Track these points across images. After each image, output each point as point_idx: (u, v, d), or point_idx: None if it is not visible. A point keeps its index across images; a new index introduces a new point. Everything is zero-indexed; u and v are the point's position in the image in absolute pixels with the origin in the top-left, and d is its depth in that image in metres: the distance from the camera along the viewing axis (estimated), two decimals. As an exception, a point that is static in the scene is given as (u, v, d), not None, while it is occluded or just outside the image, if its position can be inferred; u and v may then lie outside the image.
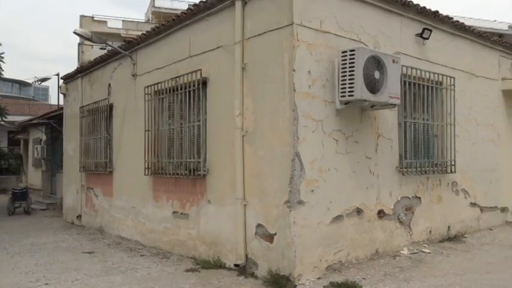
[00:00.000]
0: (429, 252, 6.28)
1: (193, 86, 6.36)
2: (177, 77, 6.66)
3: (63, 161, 11.73)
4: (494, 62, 8.57)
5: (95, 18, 30.14)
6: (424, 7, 6.69)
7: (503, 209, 8.57)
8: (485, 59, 8.33)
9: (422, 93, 6.75)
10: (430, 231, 6.90)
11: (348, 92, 5.22)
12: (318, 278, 5.05)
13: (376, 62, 5.32)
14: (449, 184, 7.32)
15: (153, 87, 7.26)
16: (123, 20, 31.10)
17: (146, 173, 7.39)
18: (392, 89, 5.50)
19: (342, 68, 5.29)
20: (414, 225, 6.61)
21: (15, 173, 23.20)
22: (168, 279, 5.41)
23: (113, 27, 30.36)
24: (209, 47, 6.23)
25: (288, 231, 4.97)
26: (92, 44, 15.77)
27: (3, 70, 13.59)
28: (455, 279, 5.05)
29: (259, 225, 5.35)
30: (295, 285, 4.84)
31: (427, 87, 6.78)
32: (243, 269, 5.47)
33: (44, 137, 16.75)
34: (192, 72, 6.36)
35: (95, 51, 21.75)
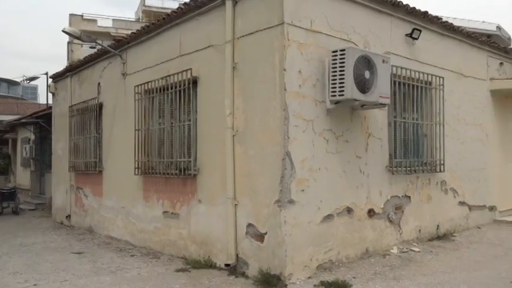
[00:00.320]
0: (419, 251, 6.32)
1: (184, 85, 6.33)
2: (167, 76, 6.64)
3: (52, 161, 11.62)
4: (482, 62, 8.65)
5: (84, 17, 29.91)
6: (414, 7, 6.74)
7: (492, 208, 8.67)
8: (474, 59, 8.41)
9: (412, 93, 6.79)
10: (420, 230, 6.95)
11: (339, 91, 5.24)
12: (309, 277, 5.07)
13: (366, 62, 5.34)
14: (438, 183, 7.38)
15: (143, 86, 7.22)
16: (113, 19, 30.92)
17: (136, 173, 7.35)
18: (382, 89, 5.52)
19: (333, 68, 5.30)
20: (404, 224, 6.65)
21: (4, 172, 22.90)
22: (158, 280, 5.38)
23: (102, 26, 30.15)
24: (200, 46, 6.21)
25: (278, 230, 4.98)
26: (82, 42, 15.64)
27: (-10, 69, 13.41)
28: (445, 278, 5.10)
29: (249, 225, 5.35)
30: (286, 285, 4.85)
31: (417, 87, 6.83)
32: (234, 269, 5.47)
33: (32, 137, 16.57)
34: (182, 72, 6.34)
35: (85, 50, 21.56)
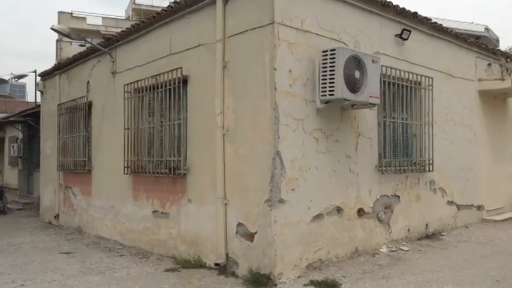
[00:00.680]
0: (407, 250, 6.37)
1: (174, 84, 6.30)
2: (157, 74, 6.60)
3: (40, 160, 11.49)
4: (471, 63, 8.74)
5: (73, 15, 29.67)
6: (404, 8, 6.78)
7: (479, 207, 8.76)
8: (462, 60, 8.49)
9: (402, 93, 6.84)
10: (409, 229, 7.00)
11: (329, 91, 5.25)
12: (298, 277, 5.08)
13: (356, 62, 5.36)
14: (427, 183, 7.44)
15: (132, 85, 7.17)
16: (102, 17, 30.69)
17: (126, 172, 7.30)
18: (372, 89, 5.55)
19: (323, 68, 5.32)
20: (393, 224, 6.70)
21: (-9, 171, 22.64)
22: (147, 279, 5.35)
23: (92, 23, 29.92)
24: (190, 45, 6.19)
25: (268, 230, 4.98)
26: (71, 40, 15.51)
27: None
28: (433, 276, 5.14)
29: (239, 224, 5.34)
30: (276, 284, 4.85)
31: (406, 87, 6.87)
32: (224, 268, 5.46)
33: (20, 135, 16.39)
34: (172, 70, 6.31)
35: (74, 48, 21.39)
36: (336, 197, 5.74)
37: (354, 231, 6.02)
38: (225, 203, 5.50)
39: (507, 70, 9.40)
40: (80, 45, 17.83)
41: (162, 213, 6.67)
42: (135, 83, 7.10)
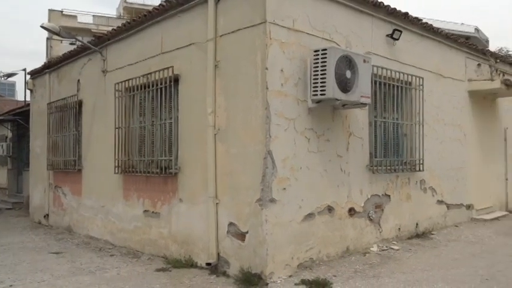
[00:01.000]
0: (398, 249, 6.41)
1: (165, 83, 6.28)
2: (148, 73, 6.56)
3: (30, 159, 11.39)
4: (461, 63, 8.81)
5: (64, 13, 29.42)
6: (395, 8, 6.82)
7: (469, 206, 8.84)
8: (453, 60, 8.56)
9: (392, 93, 6.87)
10: (399, 229, 7.04)
11: (320, 90, 5.26)
12: (290, 276, 5.08)
13: (347, 62, 5.38)
14: (417, 182, 7.49)
15: (123, 83, 7.13)
16: (93, 15, 30.47)
17: (116, 171, 7.25)
18: (363, 89, 5.57)
19: (314, 67, 5.32)
20: (384, 223, 6.73)
21: (-21, 171, 22.37)
22: (138, 279, 5.33)
23: (83, 22, 29.69)
24: (181, 44, 6.16)
25: (259, 229, 4.98)
26: (61, 39, 15.36)
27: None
28: (423, 275, 5.17)
29: (231, 224, 5.34)
30: (267, 283, 4.85)
31: (397, 87, 6.91)
32: (215, 268, 5.45)
33: (9, 134, 16.24)
34: (163, 69, 6.28)
35: (65, 47, 21.20)
36: (327, 196, 5.76)
37: (345, 230, 6.04)
38: (217, 203, 5.49)
39: (496, 71, 9.50)
40: (71, 44, 17.67)
41: (153, 212, 6.64)
42: (126, 82, 7.06)
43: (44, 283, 5.28)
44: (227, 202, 5.40)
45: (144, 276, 5.48)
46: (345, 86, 5.32)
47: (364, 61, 5.60)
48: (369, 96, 5.72)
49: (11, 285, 5.21)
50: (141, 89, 6.80)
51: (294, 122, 5.32)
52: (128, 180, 7.22)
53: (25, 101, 19.23)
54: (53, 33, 8.08)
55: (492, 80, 9.07)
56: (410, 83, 7.21)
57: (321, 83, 5.24)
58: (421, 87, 7.34)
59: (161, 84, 6.35)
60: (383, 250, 6.33)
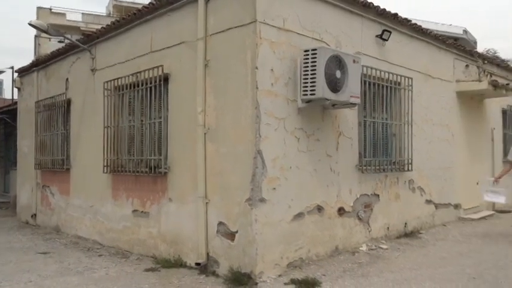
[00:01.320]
0: (387, 248, 6.45)
1: (155, 82, 6.24)
2: (137, 72, 6.52)
3: (17, 158, 11.26)
4: (449, 64, 8.90)
5: (53, 10, 29.10)
6: (384, 9, 6.86)
7: (457, 206, 8.94)
8: (441, 61, 8.64)
9: (382, 93, 6.92)
10: (388, 228, 7.09)
11: (310, 90, 5.27)
12: (279, 275, 5.09)
13: (337, 62, 5.39)
14: (406, 182, 7.55)
15: (112, 82, 7.08)
16: (82, 13, 30.18)
17: (105, 171, 7.20)
18: (353, 89, 5.59)
19: (304, 67, 5.33)
20: (373, 222, 6.77)
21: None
22: (127, 279, 5.29)
23: (71, 20, 29.39)
24: (171, 43, 6.14)
25: (249, 229, 4.97)
26: (49, 36, 15.19)
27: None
28: (411, 274, 5.21)
29: (220, 223, 5.33)
30: (256, 283, 4.85)
31: (386, 87, 6.95)
32: (204, 268, 5.43)
33: (-4, 133, 16.02)
34: (153, 68, 6.25)
35: (53, 44, 20.97)
36: (316, 196, 5.77)
37: (334, 229, 6.06)
38: (206, 202, 5.48)
39: (484, 72, 9.61)
40: (59, 42, 17.45)
41: (142, 212, 6.60)
42: (115, 81, 7.01)
43: (31, 284, 5.22)
44: (217, 202, 5.39)
45: (132, 276, 5.45)
46: (334, 85, 5.34)
47: (354, 61, 5.63)
48: (358, 96, 5.75)
49: (-3, 286, 5.15)
50: (130, 87, 6.76)
51: (284, 122, 5.32)
52: (116, 180, 7.17)
53: (12, 99, 19.00)
54: (41, 31, 7.99)
55: (480, 81, 9.17)
56: (399, 84, 7.26)
57: (310, 82, 5.25)
58: (410, 87, 7.39)
59: (151, 83, 6.31)
60: (372, 249, 6.37)
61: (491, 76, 9.72)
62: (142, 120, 6.66)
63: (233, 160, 5.22)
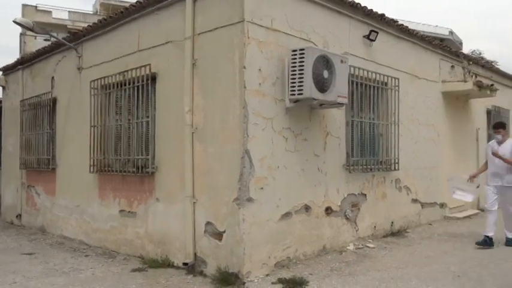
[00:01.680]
0: (373, 247, 6.50)
1: (142, 81, 6.20)
2: (125, 71, 6.48)
3: (1, 158, 11.08)
4: (435, 65, 9.00)
5: (38, 8, 28.76)
6: (371, 10, 6.91)
7: (442, 205, 9.05)
8: (427, 61, 8.73)
9: (369, 93, 6.97)
10: (375, 227, 7.14)
11: (298, 90, 5.29)
12: (267, 275, 5.10)
13: (325, 62, 5.42)
14: (393, 181, 7.62)
15: (99, 81, 7.02)
16: (69, 11, 29.87)
17: (92, 171, 7.13)
18: (340, 89, 5.62)
19: (292, 67, 5.35)
20: (360, 221, 6.82)
21: None
22: (113, 280, 5.25)
23: (58, 17, 29.07)
24: (159, 42, 6.10)
25: (237, 228, 4.97)
26: (35, 34, 15.02)
27: None
28: (397, 273, 5.27)
29: (208, 223, 5.32)
30: (244, 283, 4.85)
31: (373, 87, 7.01)
32: (192, 268, 5.42)
33: (-20, 132, 15.74)
34: (140, 67, 6.21)
35: (39, 43, 20.69)
36: (304, 195, 5.79)
37: (322, 229, 6.09)
38: (194, 202, 5.46)
39: (469, 72, 9.73)
40: (45, 40, 17.25)
41: (129, 212, 6.56)
42: (102, 80, 6.95)
43: (16, 285, 5.15)
44: (204, 201, 5.38)
45: (119, 276, 5.41)
46: (322, 85, 5.36)
47: (342, 61, 5.66)
48: (346, 96, 5.78)
49: (-20, 288, 5.07)
50: (117, 86, 6.71)
51: (272, 122, 5.33)
52: (103, 180, 7.11)
53: (-3, 97, 18.71)
54: (27, 28, 7.91)
55: (465, 81, 9.29)
56: (386, 84, 7.32)
57: (298, 82, 5.27)
58: (396, 87, 7.46)
59: (138, 82, 6.27)
60: (359, 248, 6.42)
61: (476, 77, 9.85)
62: (129, 120, 6.62)
63: (221, 160, 5.21)
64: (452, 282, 4.94)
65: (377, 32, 7.00)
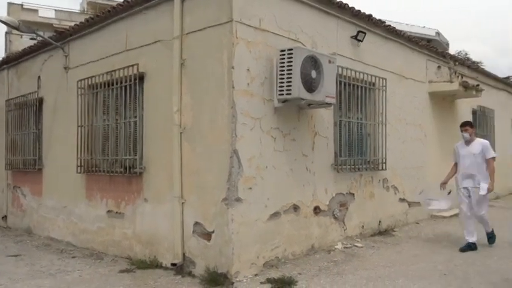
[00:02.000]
0: (361, 246, 6.54)
1: (130, 80, 6.16)
2: (112, 71, 6.43)
3: (-14, 158, 10.91)
4: (422, 65, 9.09)
5: (24, 6, 28.44)
6: (359, 10, 6.95)
7: (429, 204, 9.12)
8: (414, 62, 8.81)
9: (357, 93, 7.01)
10: (363, 226, 7.19)
11: (286, 90, 5.30)
12: (255, 275, 5.10)
13: (313, 62, 5.44)
14: (380, 181, 7.67)
15: (86, 81, 6.95)
16: (55, 10, 29.55)
17: (79, 171, 7.06)
18: (328, 89, 5.65)
19: (281, 67, 5.36)
20: (348, 221, 6.86)
21: None
22: (101, 281, 5.21)
23: (44, 16, 28.75)
24: (147, 41, 6.07)
25: (225, 228, 4.97)
26: (21, 33, 14.82)
27: None
28: (385, 271, 5.31)
29: (196, 223, 5.30)
30: (233, 283, 4.85)
31: (361, 87, 7.05)
32: (180, 268, 5.40)
33: (-36, 132, 15.49)
34: (128, 67, 6.16)
35: (25, 41, 20.45)
36: (292, 195, 5.81)
37: (310, 228, 6.12)
38: (182, 202, 5.44)
39: (455, 73, 9.86)
40: (31, 39, 17.04)
41: (116, 213, 6.51)
42: (89, 79, 6.89)
43: (1, 287, 5.08)
44: (193, 201, 5.37)
45: (107, 278, 5.37)
46: (310, 85, 5.38)
47: (330, 61, 5.68)
48: (333, 96, 5.81)
49: (-35, 290, 4.99)
50: (104, 86, 6.65)
51: (260, 121, 5.34)
52: (90, 180, 7.05)
53: (-18, 97, 18.43)
54: (12, 27, 7.79)
55: (451, 81, 9.41)
56: (373, 84, 7.38)
57: (286, 82, 5.28)
58: (384, 88, 7.52)
59: (126, 82, 6.23)
60: (347, 247, 6.45)
61: (462, 77, 9.99)
62: (117, 120, 6.57)
63: (209, 160, 5.20)
64: (439, 280, 4.99)
65: (364, 33, 7.05)
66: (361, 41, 7.05)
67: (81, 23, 7.33)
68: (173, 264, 5.40)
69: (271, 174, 5.47)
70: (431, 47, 9.50)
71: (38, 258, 6.48)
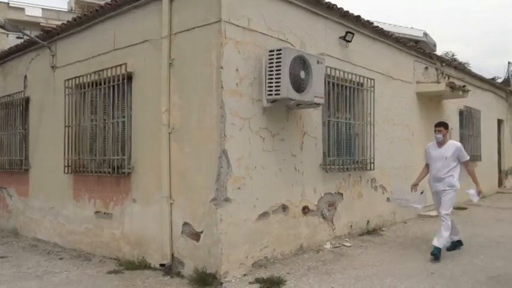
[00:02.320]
0: (350, 246, 6.58)
1: (118, 80, 6.12)
2: (100, 70, 6.38)
3: (-29, 159, 10.75)
4: (409, 66, 9.18)
5: (11, 5, 28.07)
6: (347, 11, 6.99)
7: (416, 203, 9.20)
8: (402, 63, 8.89)
9: (345, 94, 7.05)
10: (351, 226, 7.24)
11: (275, 90, 5.31)
12: (244, 275, 5.10)
13: (302, 62, 5.46)
14: (368, 180, 7.73)
15: (74, 80, 6.89)
16: (42, 8, 29.23)
17: (66, 171, 7.00)
18: (317, 89, 5.68)
19: (269, 67, 5.37)
20: (336, 220, 6.89)
21: None
22: (89, 283, 5.17)
23: (31, 15, 28.43)
24: (135, 41, 6.03)
25: (214, 228, 4.96)
26: (7, 32, 14.62)
27: None
28: (373, 271, 5.35)
29: (185, 224, 5.29)
30: (222, 283, 4.85)
31: (349, 88, 7.10)
32: (169, 269, 5.38)
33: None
34: (116, 66, 6.12)
35: (11, 40, 20.18)
36: (281, 195, 5.82)
37: (299, 228, 6.14)
38: (171, 203, 5.42)
39: (442, 74, 9.98)
40: (18, 38, 16.81)
41: (105, 213, 6.46)
42: (77, 79, 6.83)
43: (-14, 289, 5.02)
44: (181, 202, 5.35)
45: (95, 279, 5.32)
46: (299, 86, 5.40)
47: (318, 62, 5.71)
48: (322, 97, 5.84)
49: (-51, 293, 4.92)
50: (92, 86, 6.60)
51: (249, 122, 5.34)
52: (78, 181, 6.98)
53: (-33, 97, 18.16)
54: (-2, 26, 7.67)
55: (438, 82, 9.52)
56: (362, 84, 7.43)
57: (275, 82, 5.30)
58: (372, 88, 7.58)
59: (114, 81, 6.18)
60: (336, 247, 6.49)
61: (449, 78, 10.11)
62: (105, 120, 6.52)
63: (198, 160, 5.19)
64: (426, 279, 5.04)
65: (353, 33, 7.09)
66: (350, 42, 7.10)
67: (68, 22, 7.27)
68: (162, 265, 5.38)
69: (260, 174, 5.48)
70: (418, 48, 9.60)
71: (25, 260, 6.41)
